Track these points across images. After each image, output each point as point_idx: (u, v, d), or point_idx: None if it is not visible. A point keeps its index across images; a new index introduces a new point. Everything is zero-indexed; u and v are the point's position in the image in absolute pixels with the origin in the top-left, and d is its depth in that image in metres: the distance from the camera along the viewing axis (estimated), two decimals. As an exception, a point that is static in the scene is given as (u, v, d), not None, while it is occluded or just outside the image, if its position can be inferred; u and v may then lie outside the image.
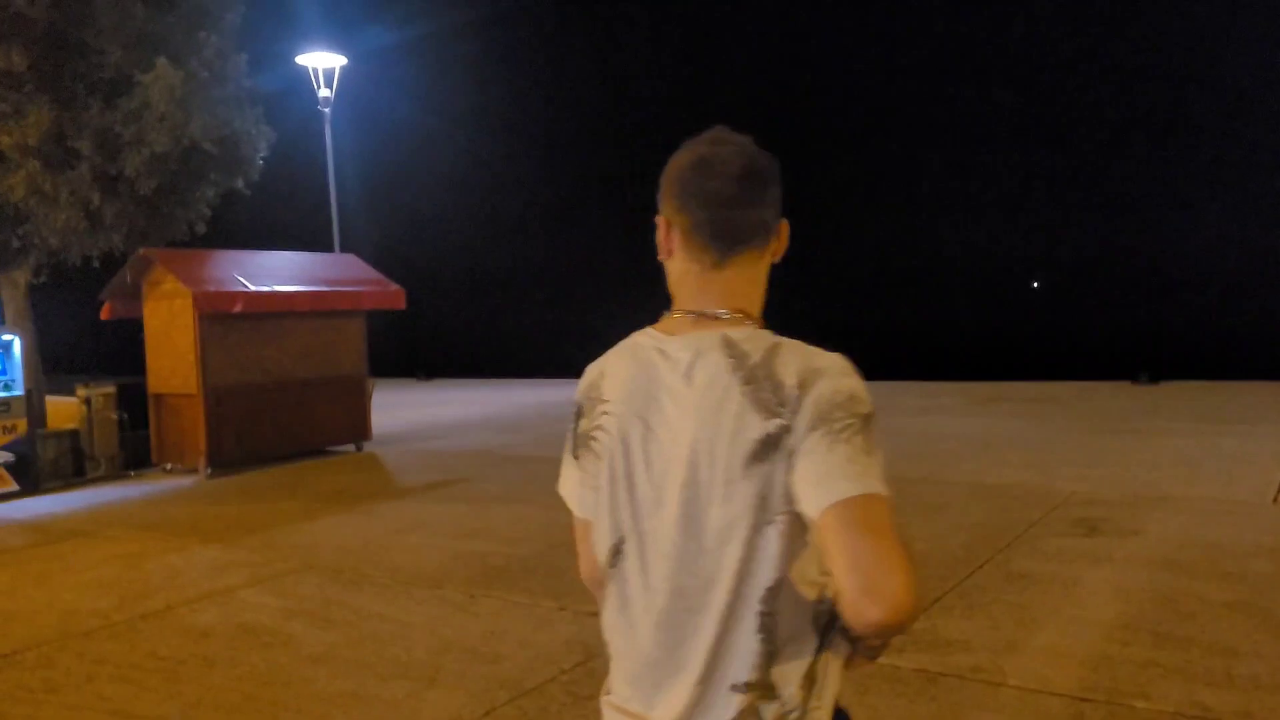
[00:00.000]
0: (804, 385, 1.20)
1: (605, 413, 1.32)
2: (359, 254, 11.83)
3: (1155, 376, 13.68)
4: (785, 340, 1.27)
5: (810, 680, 1.24)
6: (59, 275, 11.49)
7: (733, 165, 1.29)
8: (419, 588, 5.27)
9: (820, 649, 1.25)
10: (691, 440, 1.23)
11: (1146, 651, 3.97)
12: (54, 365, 14.49)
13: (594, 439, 1.34)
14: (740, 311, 1.30)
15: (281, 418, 9.70)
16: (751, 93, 17.85)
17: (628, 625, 1.31)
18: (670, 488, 1.25)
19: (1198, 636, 4.10)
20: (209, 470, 9.06)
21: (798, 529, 1.20)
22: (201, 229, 13.31)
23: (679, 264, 1.33)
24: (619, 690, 1.35)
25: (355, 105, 19.13)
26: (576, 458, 1.39)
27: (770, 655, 1.22)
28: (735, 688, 1.23)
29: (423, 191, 20.51)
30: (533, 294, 19.69)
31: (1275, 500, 6.58)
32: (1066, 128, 16.13)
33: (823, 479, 1.14)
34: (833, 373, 1.22)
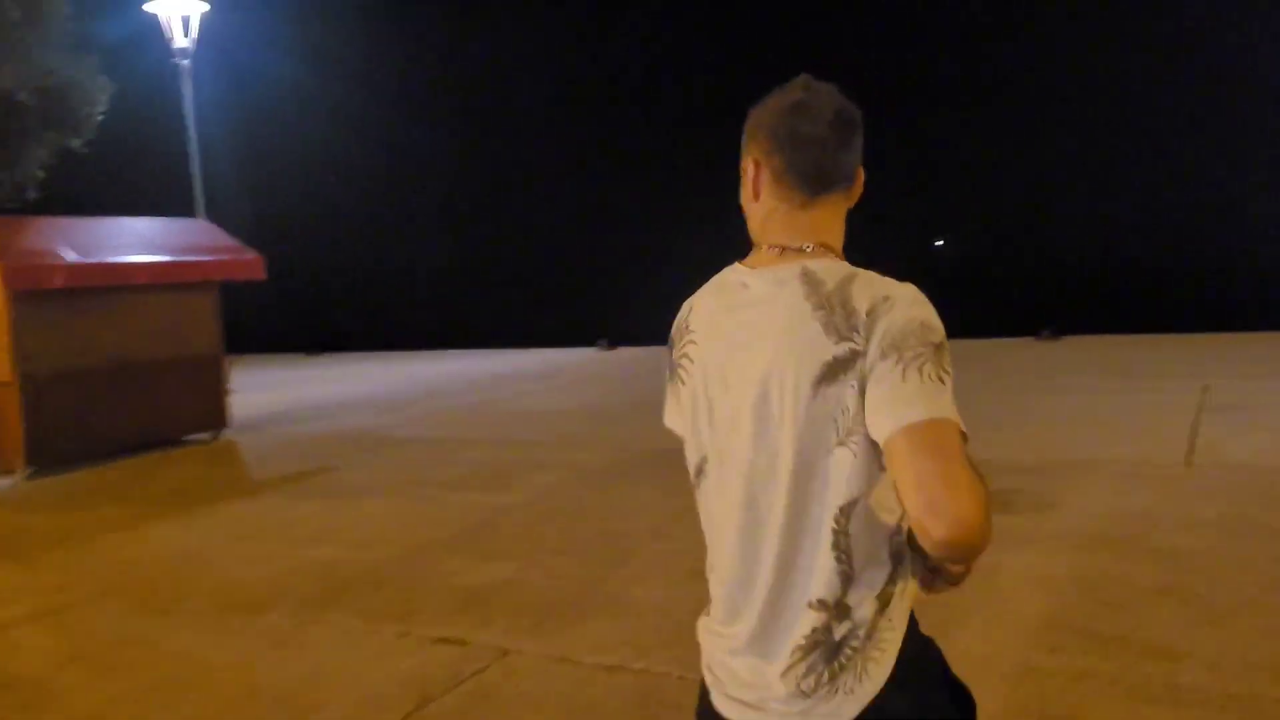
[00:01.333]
0: (874, 312, 1.22)
1: (691, 342, 1.38)
2: (232, 222, 10.64)
3: (1059, 331, 13.53)
4: (862, 271, 1.29)
5: (884, 604, 1.27)
6: None
7: (827, 110, 1.33)
8: (239, 614, 4.43)
9: (895, 575, 1.28)
10: (766, 363, 1.27)
11: (1078, 658, 3.44)
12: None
13: (681, 366, 1.40)
14: (823, 245, 1.34)
15: (122, 406, 8.56)
16: (671, 78, 16.88)
17: (714, 541, 1.38)
18: (745, 408, 1.29)
19: (1133, 635, 3.59)
20: (29, 470, 7.90)
21: (872, 453, 1.22)
22: (33, 194, 11.85)
23: (766, 204, 1.37)
24: (715, 609, 1.40)
25: (229, 58, 17.52)
26: (671, 385, 1.45)
27: (846, 576, 1.25)
28: (810, 605, 1.26)
29: (314, 152, 18.99)
30: (433, 262, 18.49)
31: (1187, 462, 6.23)
32: (970, 90, 15.85)
33: (894, 405, 1.17)
34: (905, 301, 1.24)
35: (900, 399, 1.17)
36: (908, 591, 1.30)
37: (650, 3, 16.22)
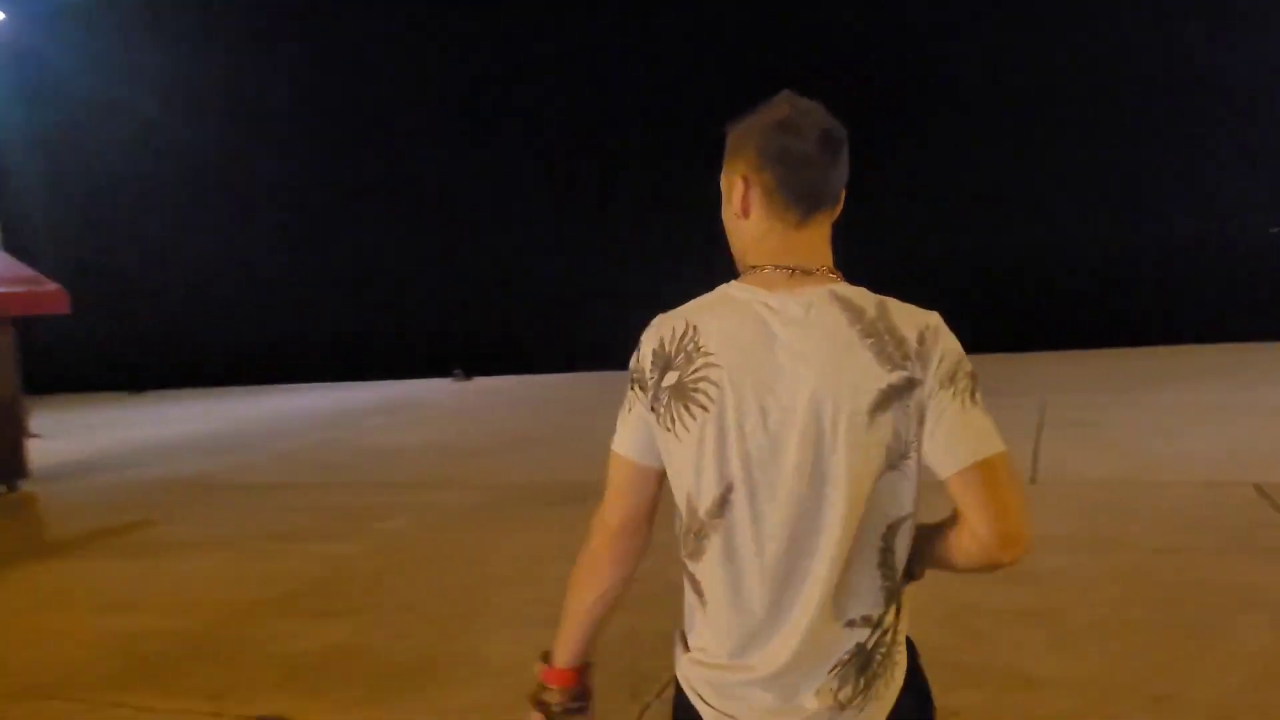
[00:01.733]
0: (924, 340, 1.27)
1: (711, 364, 1.31)
2: (38, 252, 9.56)
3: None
4: (886, 297, 1.32)
5: (900, 608, 1.33)
6: None
7: (814, 128, 1.33)
8: (22, 701, 3.79)
9: (904, 576, 1.33)
10: (812, 391, 1.26)
11: (948, 694, 3.33)
12: None
13: (698, 390, 1.32)
14: (828, 267, 1.35)
15: (-105, 459, 7.49)
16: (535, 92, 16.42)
17: (734, 574, 1.33)
18: (789, 437, 1.27)
19: (997, 663, 3.53)
20: None
21: (918, 473, 1.29)
22: None
23: (758, 223, 1.36)
24: (711, 646, 1.36)
25: (28, 74, 16.00)
26: (653, 410, 1.36)
27: (890, 591, 1.31)
28: (853, 623, 1.29)
29: (126, 174, 17.55)
30: (266, 288, 17.34)
31: (1032, 480, 6.40)
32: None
33: (966, 437, 1.24)
34: (944, 332, 1.29)
35: (971, 432, 1.25)
36: (908, 590, 1.36)
37: (485, 10, 15.73)
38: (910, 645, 1.38)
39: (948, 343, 1.28)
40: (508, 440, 9.67)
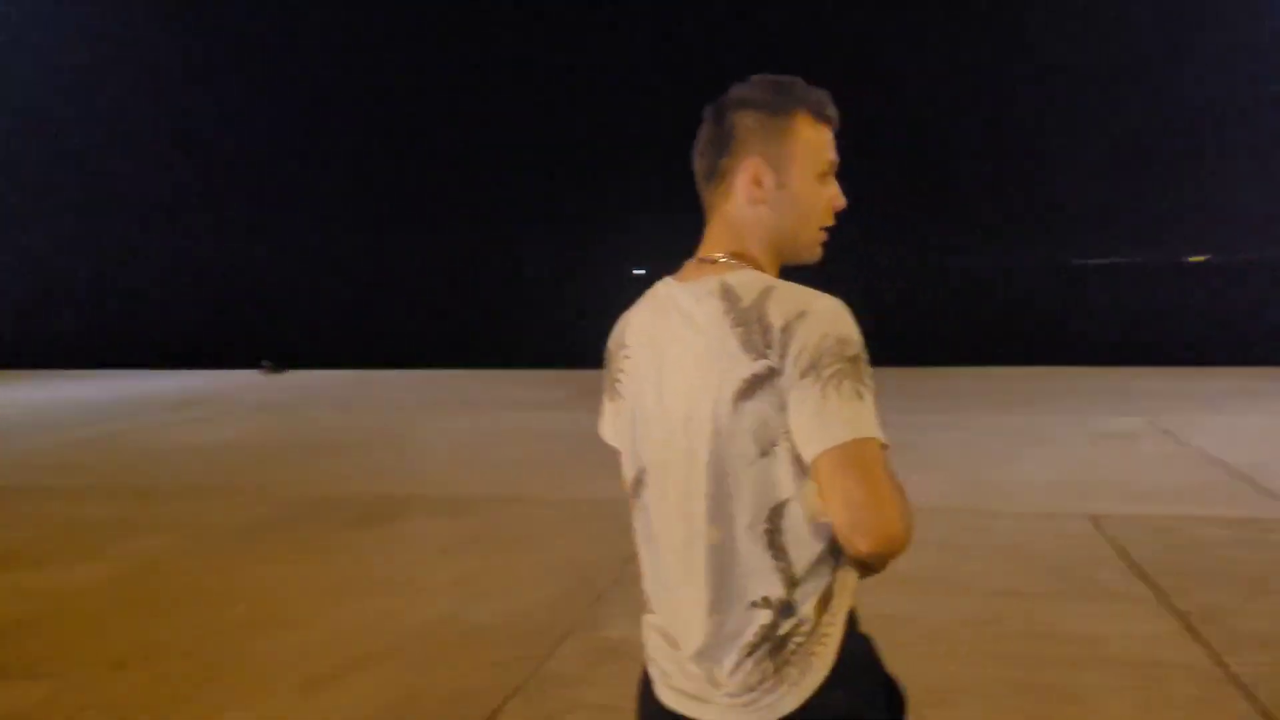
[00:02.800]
0: (789, 328, 1.25)
1: (626, 357, 1.44)
2: None
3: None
4: (780, 283, 1.32)
5: (826, 599, 1.32)
6: None
7: (710, 111, 1.42)
8: None
9: (836, 571, 1.32)
10: (690, 382, 1.33)
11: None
12: None
13: (618, 380, 1.45)
14: (739, 254, 1.38)
15: None
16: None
17: (653, 554, 1.42)
18: (677, 425, 1.35)
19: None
20: None
21: (790, 457, 1.28)
22: None
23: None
24: (653, 617, 1.44)
25: None
26: (609, 399, 1.49)
27: (787, 573, 1.30)
28: (755, 603, 1.31)
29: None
30: (43, 266, 15.35)
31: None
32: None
33: (817, 426, 1.22)
34: (820, 316, 1.26)
35: (823, 420, 1.22)
36: (848, 587, 1.35)
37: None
38: (859, 642, 1.36)
39: (819, 328, 1.25)
40: (308, 444, 8.63)
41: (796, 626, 1.30)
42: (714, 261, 1.37)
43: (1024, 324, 13.62)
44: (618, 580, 4.56)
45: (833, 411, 1.21)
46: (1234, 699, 3.27)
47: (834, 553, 1.31)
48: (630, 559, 4.83)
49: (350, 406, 11.29)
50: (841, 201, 1.43)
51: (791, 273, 1.41)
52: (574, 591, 4.46)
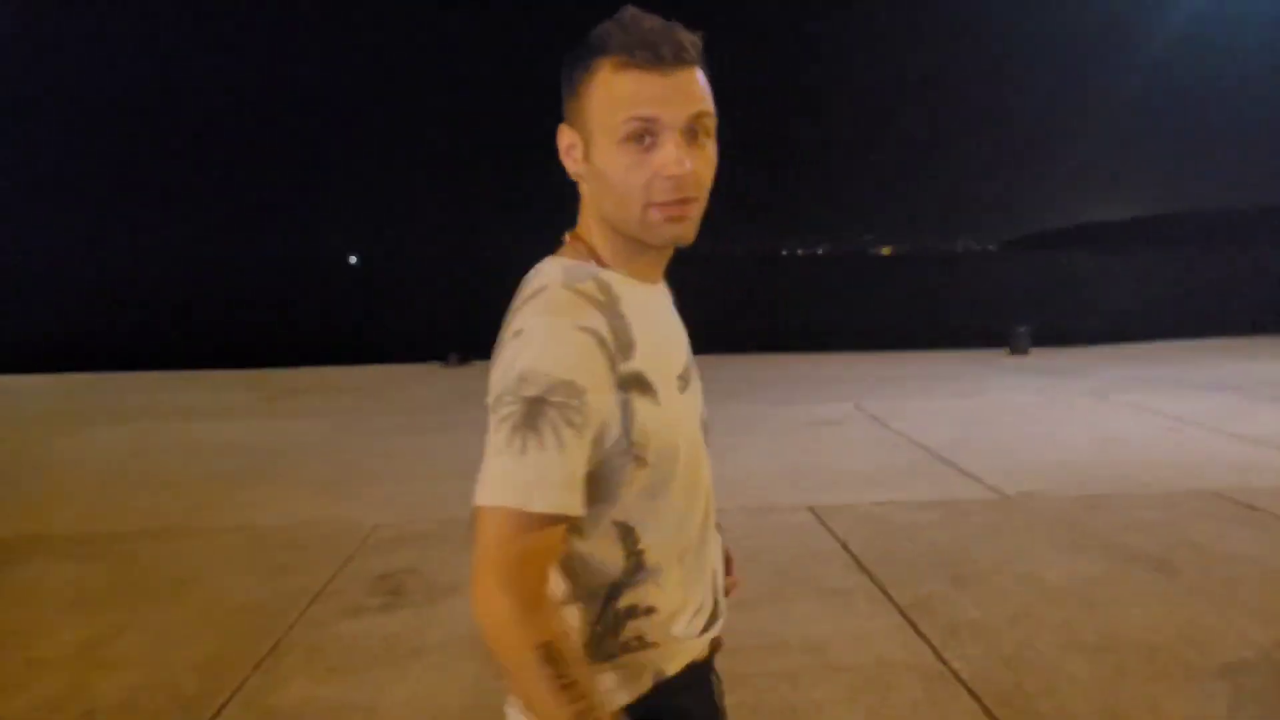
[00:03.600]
0: (499, 349, 1.11)
1: None
2: None
3: (466, 357, 13.08)
4: (549, 286, 1.12)
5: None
6: None
7: None
8: None
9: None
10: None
11: None
12: None
13: None
14: (576, 235, 1.22)
15: None
16: None
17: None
18: None
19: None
20: None
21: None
22: None
23: None
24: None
25: None
26: None
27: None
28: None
29: None
30: None
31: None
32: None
33: (481, 473, 1.08)
34: (521, 340, 1.08)
35: (482, 468, 1.07)
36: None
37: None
38: None
39: (505, 358, 1.08)
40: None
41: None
42: (562, 241, 1.24)
43: (738, 316, 14.10)
44: (302, 619, 3.78)
45: (487, 463, 1.06)
46: (959, 696, 3.16)
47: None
48: (320, 595, 4.06)
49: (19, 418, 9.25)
50: (674, 169, 1.09)
51: (681, 257, 1.22)
52: (240, 646, 3.64)
